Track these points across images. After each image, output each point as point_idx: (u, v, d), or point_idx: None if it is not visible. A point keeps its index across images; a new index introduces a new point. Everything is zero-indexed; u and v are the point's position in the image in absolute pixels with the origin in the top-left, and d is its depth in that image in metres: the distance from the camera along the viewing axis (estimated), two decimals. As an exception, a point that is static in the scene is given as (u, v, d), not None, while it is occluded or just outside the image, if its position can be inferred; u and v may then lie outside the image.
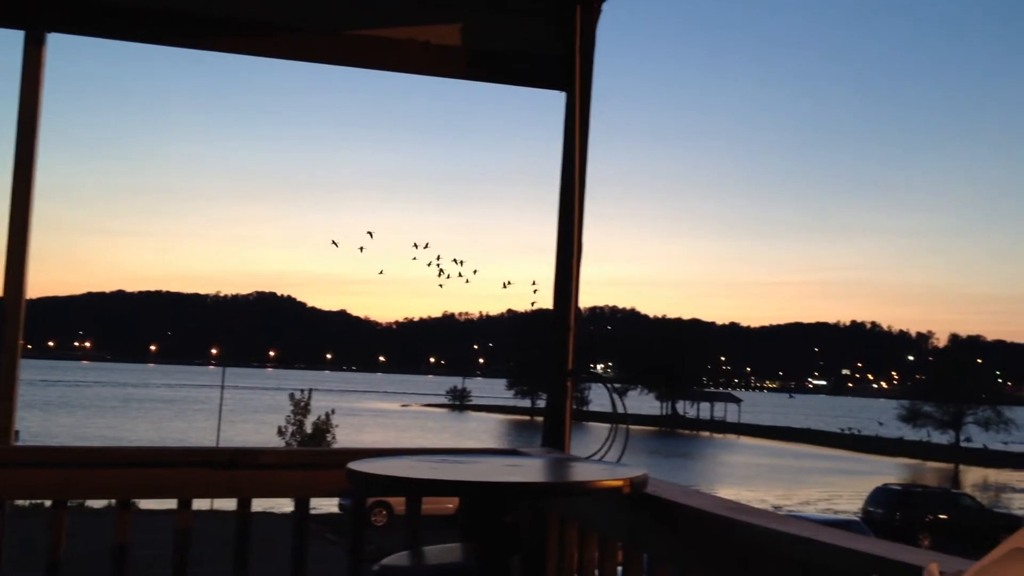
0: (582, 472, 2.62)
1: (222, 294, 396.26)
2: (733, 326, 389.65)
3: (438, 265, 22.21)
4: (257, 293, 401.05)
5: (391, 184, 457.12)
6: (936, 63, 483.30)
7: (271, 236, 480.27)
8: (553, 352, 3.63)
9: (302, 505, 3.29)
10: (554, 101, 3.69)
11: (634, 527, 2.65)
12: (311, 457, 3.44)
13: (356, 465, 2.41)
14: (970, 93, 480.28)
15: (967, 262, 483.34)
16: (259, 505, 3.36)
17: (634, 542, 2.68)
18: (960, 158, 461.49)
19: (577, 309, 3.66)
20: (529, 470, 2.64)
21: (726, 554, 2.19)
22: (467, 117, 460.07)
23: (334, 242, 35.48)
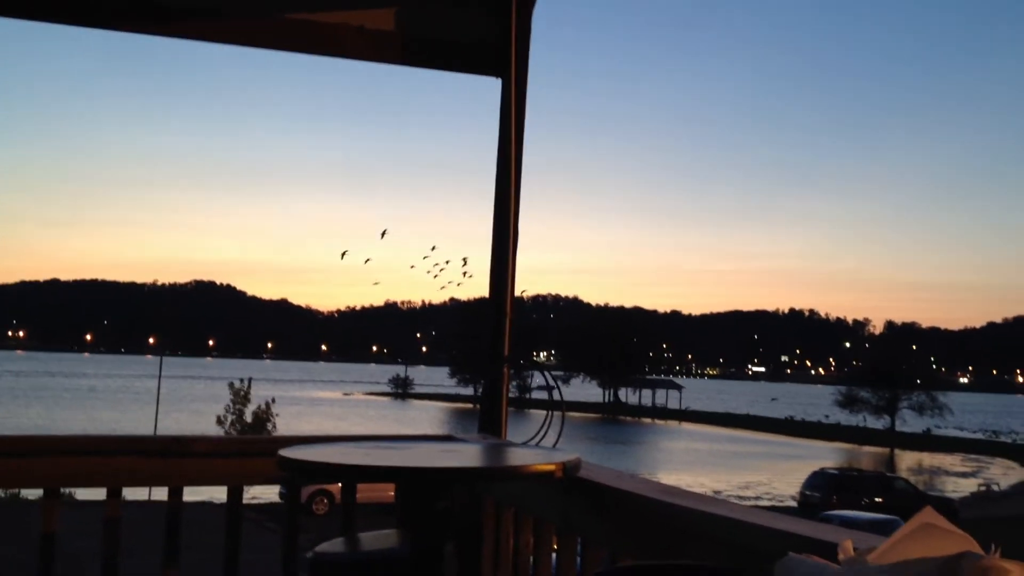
0: (515, 457, 2.63)
1: (159, 283, 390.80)
2: (674, 314, 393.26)
3: (441, 269, 22.06)
4: (195, 282, 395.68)
5: (327, 171, 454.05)
6: (871, 53, 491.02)
7: (209, 224, 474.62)
8: (489, 339, 3.63)
9: (235, 493, 3.25)
10: (490, 88, 3.68)
11: (567, 511, 2.67)
12: (244, 445, 3.40)
13: (288, 452, 2.39)
14: (904, 83, 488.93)
15: (903, 250, 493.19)
16: (198, 495, 3.32)
17: (568, 526, 2.70)
18: (895, 147, 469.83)
19: (513, 296, 3.66)
20: (463, 455, 2.64)
21: (657, 536, 2.21)
22: (404, 104, 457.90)
23: (343, 254, 34.79)
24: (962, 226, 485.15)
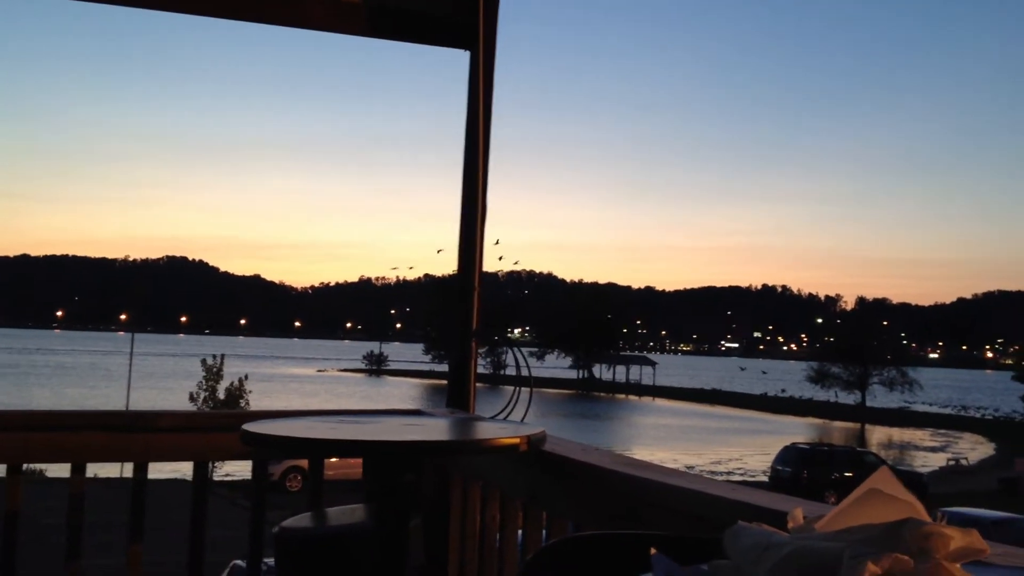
0: (481, 430, 2.63)
1: (131, 259, 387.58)
2: (648, 290, 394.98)
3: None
4: (168, 258, 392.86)
5: (298, 145, 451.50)
6: (844, 31, 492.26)
7: (182, 200, 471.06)
8: (457, 313, 3.62)
9: (201, 469, 3.24)
10: (458, 60, 3.65)
11: (533, 484, 2.68)
12: (210, 420, 3.38)
13: (251, 427, 2.37)
14: (877, 61, 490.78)
15: (874, 227, 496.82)
16: (168, 471, 3.30)
17: (533, 499, 2.70)
18: (866, 126, 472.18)
19: (482, 271, 3.65)
20: (429, 429, 2.63)
21: (619, 507, 2.22)
22: (373, 77, 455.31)
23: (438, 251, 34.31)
24: (933, 203, 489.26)
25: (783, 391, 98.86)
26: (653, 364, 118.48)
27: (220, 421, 3.38)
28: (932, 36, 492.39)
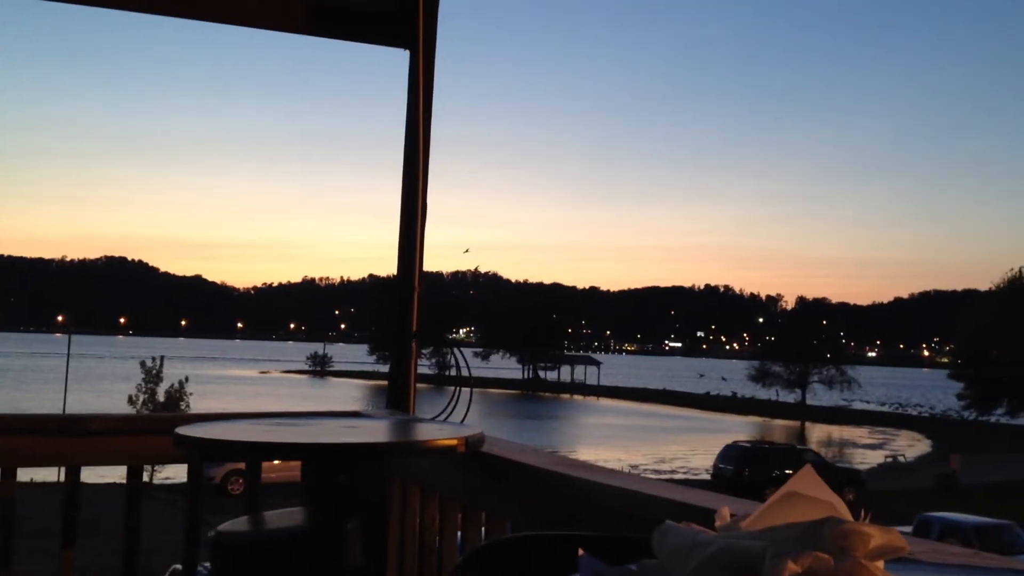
0: (418, 432, 2.62)
1: (68, 258, 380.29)
2: (593, 290, 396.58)
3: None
4: (106, 258, 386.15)
5: (239, 144, 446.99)
6: (785, 34, 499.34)
7: (120, 199, 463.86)
8: (397, 314, 3.60)
9: (135, 473, 3.18)
10: (399, 59, 3.63)
11: (471, 486, 2.67)
12: (144, 423, 3.32)
13: (185, 430, 2.34)
14: (816, 64, 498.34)
15: (814, 228, 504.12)
16: (111, 476, 3.24)
17: (472, 501, 2.70)
18: (805, 128, 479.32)
19: (422, 271, 3.64)
20: (366, 431, 2.61)
21: (557, 508, 2.23)
22: (312, 75, 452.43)
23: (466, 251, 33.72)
24: (872, 205, 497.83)
25: (733, 393, 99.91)
26: (598, 364, 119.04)
27: (155, 424, 3.32)
28: (871, 40, 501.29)
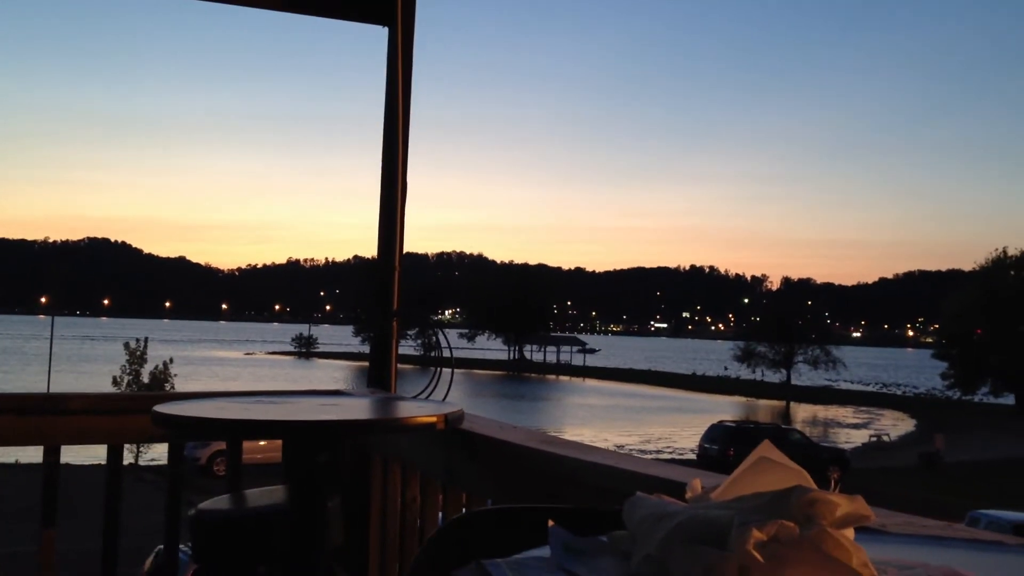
0: (397, 410, 2.62)
1: (51, 240, 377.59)
2: (578, 271, 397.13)
3: None
4: (89, 239, 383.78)
5: (221, 124, 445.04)
6: (771, 15, 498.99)
7: (103, 179, 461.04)
8: (377, 294, 3.60)
9: (115, 452, 3.17)
10: (378, 36, 3.60)
11: (452, 463, 2.67)
12: (123, 402, 3.30)
13: (163, 408, 2.33)
14: (800, 43, 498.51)
15: (799, 208, 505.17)
16: (93, 456, 3.22)
17: (452, 478, 2.70)
18: (789, 108, 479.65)
19: (402, 250, 3.63)
20: (346, 409, 2.61)
21: (535, 484, 2.23)
22: (293, 53, 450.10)
23: None
24: (856, 185, 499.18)
25: (726, 369, 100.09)
26: (583, 344, 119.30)
27: (135, 403, 3.30)
28: (857, 21, 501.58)
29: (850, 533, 0.84)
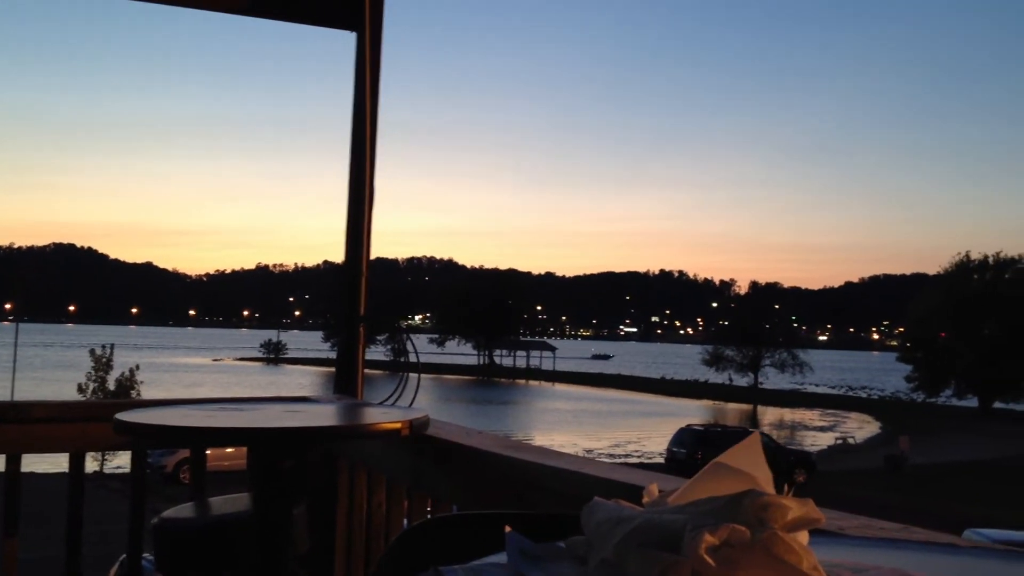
0: (362, 416, 2.61)
1: (15, 245, 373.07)
2: (548, 275, 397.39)
3: None
4: (54, 244, 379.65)
5: (188, 129, 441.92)
6: (738, 19, 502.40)
7: (68, 185, 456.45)
8: (344, 299, 3.59)
9: (77, 460, 3.14)
10: (345, 42, 3.60)
11: (417, 469, 2.67)
12: (86, 410, 3.26)
13: (125, 415, 2.31)
14: (765, 49, 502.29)
15: (766, 213, 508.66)
16: (57, 464, 3.18)
17: (418, 484, 2.70)
18: (757, 114, 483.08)
19: (369, 255, 3.62)
20: (311, 415, 2.60)
21: (503, 491, 2.23)
22: (261, 58, 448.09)
23: None
24: (822, 190, 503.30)
25: (706, 380, 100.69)
26: (553, 349, 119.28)
27: (98, 411, 3.27)
28: (820, 24, 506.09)
29: (804, 536, 0.85)
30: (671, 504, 0.94)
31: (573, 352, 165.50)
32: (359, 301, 3.56)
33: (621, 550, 0.82)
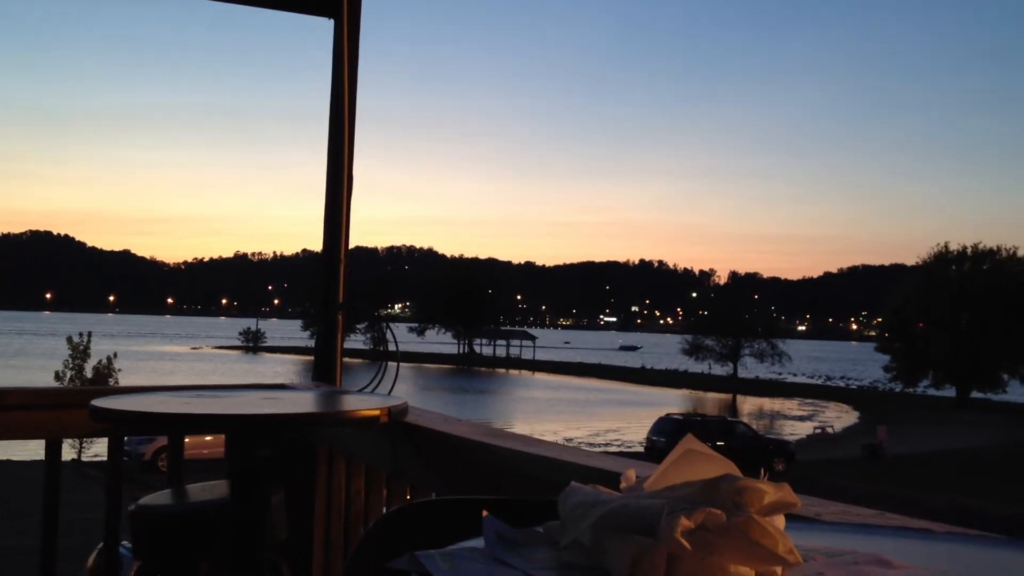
0: (341, 403, 2.61)
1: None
2: (528, 265, 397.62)
3: None
4: (31, 232, 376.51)
5: (166, 116, 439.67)
6: (718, 10, 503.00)
7: (45, 172, 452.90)
8: (322, 287, 3.57)
9: (53, 448, 3.11)
10: (323, 29, 3.57)
11: (396, 457, 2.67)
12: (62, 397, 3.23)
13: (101, 402, 2.29)
14: (745, 41, 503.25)
15: (745, 203, 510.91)
16: (33, 452, 3.15)
17: (397, 471, 2.69)
18: (737, 104, 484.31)
19: (348, 243, 3.61)
20: (288, 402, 2.59)
21: (481, 477, 2.24)
22: (239, 45, 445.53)
23: None
24: (801, 181, 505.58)
25: (686, 370, 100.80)
26: (533, 338, 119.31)
27: (74, 398, 3.24)
28: (798, 15, 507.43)
29: (780, 521, 0.86)
30: (647, 489, 0.95)
31: (552, 341, 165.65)
32: (337, 289, 3.55)
33: (596, 532, 0.83)
